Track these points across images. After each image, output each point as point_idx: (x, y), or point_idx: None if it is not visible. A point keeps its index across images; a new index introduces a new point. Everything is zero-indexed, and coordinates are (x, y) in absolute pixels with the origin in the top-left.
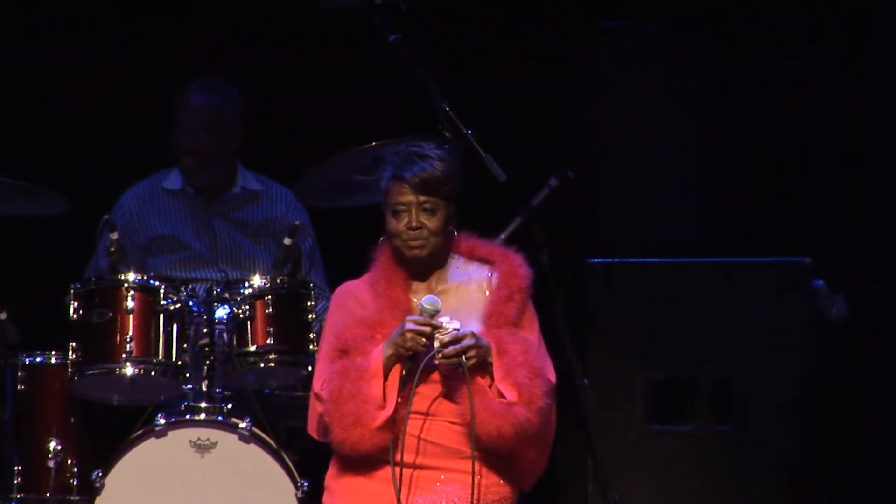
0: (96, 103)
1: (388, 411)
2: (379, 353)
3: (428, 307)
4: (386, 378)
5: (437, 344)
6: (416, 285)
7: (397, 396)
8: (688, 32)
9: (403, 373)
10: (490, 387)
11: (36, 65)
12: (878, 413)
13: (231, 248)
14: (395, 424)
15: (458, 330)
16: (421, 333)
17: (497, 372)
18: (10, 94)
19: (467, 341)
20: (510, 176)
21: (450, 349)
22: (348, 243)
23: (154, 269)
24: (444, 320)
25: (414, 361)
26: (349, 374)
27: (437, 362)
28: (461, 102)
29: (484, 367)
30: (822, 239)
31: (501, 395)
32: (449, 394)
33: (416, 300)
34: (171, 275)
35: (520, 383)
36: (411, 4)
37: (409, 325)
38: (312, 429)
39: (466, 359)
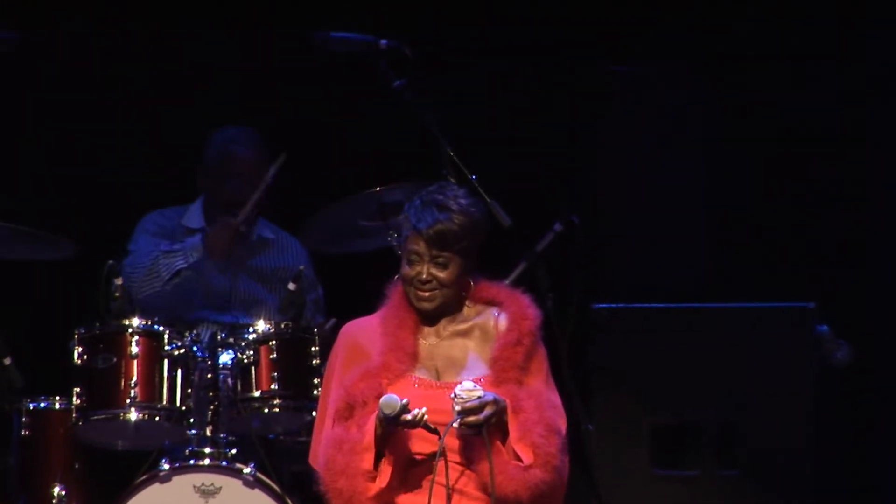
0: (102, 147)
1: (382, 483)
2: (373, 424)
3: (385, 410)
4: (380, 449)
5: (458, 408)
6: (425, 330)
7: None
8: (691, 79)
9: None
10: (504, 445)
11: (40, 110)
12: (883, 457)
13: (245, 292)
14: (391, 492)
15: (480, 398)
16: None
17: (513, 432)
18: (14, 138)
19: (488, 411)
20: (515, 221)
21: (472, 418)
22: (354, 287)
23: (171, 300)
24: (467, 386)
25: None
26: (342, 446)
27: (456, 426)
28: (466, 147)
29: (499, 426)
30: (826, 284)
31: (517, 456)
32: (466, 454)
33: (423, 342)
34: (188, 312)
35: (536, 443)
36: (416, 49)
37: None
38: (314, 460)
39: (486, 424)
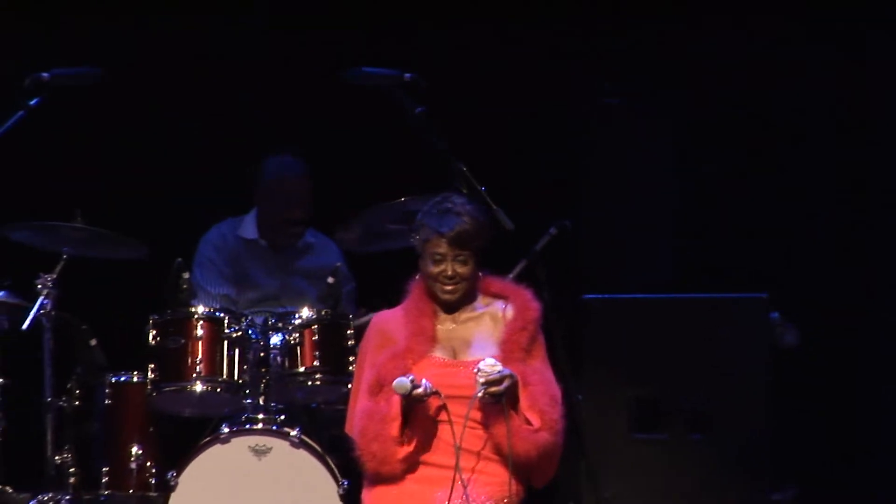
0: (169, 165)
1: (409, 448)
2: (398, 398)
3: (399, 391)
4: (405, 418)
5: (481, 380)
6: (443, 317)
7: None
8: (662, 105)
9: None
10: (517, 412)
11: (119, 131)
12: (830, 416)
13: (293, 290)
14: (417, 455)
15: (500, 372)
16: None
17: (523, 401)
18: (98, 155)
19: (507, 382)
20: (516, 225)
21: (494, 389)
22: (382, 281)
23: (231, 300)
24: (489, 361)
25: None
26: (374, 416)
27: (480, 396)
28: (475, 162)
29: (513, 397)
30: (778, 273)
31: (527, 422)
32: (484, 420)
33: (440, 327)
34: (243, 308)
35: (543, 410)
36: (430, 80)
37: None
38: (350, 428)
39: (505, 394)
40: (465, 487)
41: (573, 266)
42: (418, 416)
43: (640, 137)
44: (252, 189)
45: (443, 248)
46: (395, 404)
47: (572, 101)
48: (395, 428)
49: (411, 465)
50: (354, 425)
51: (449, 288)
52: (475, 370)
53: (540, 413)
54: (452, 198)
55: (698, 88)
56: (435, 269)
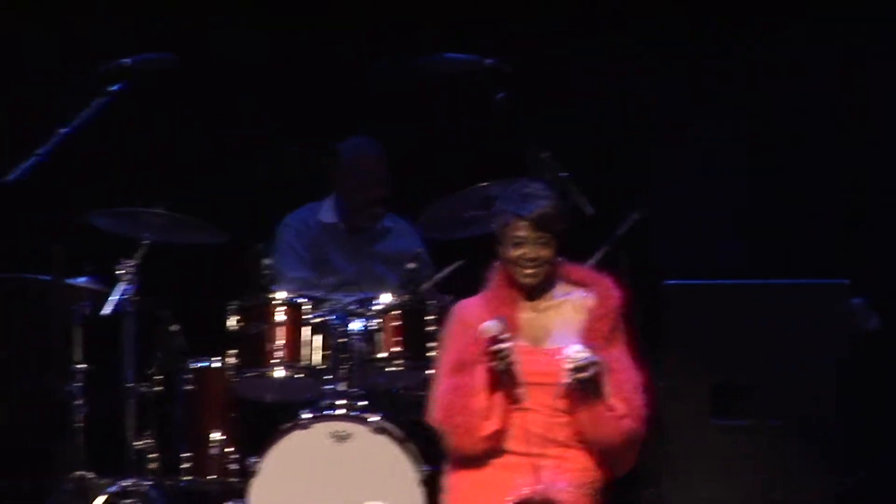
0: (249, 151)
1: (495, 424)
2: (483, 370)
3: (489, 331)
4: (491, 393)
5: (569, 367)
6: (523, 305)
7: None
8: (734, 91)
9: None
10: (603, 401)
11: (197, 118)
12: None
13: (372, 274)
14: (500, 437)
15: (587, 358)
16: (497, 355)
17: (609, 388)
18: (178, 142)
19: (594, 369)
20: (596, 211)
21: (582, 375)
22: (463, 268)
23: (308, 286)
24: (577, 348)
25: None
26: (458, 390)
27: (568, 382)
28: (557, 149)
29: (599, 383)
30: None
31: (612, 408)
32: (569, 407)
33: (522, 315)
34: (322, 293)
35: (627, 398)
36: (513, 65)
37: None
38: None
39: (592, 380)
40: (542, 475)
41: (652, 252)
42: (501, 400)
43: (716, 122)
44: (330, 173)
45: (523, 230)
46: (480, 377)
47: (647, 85)
48: (479, 400)
49: (494, 450)
50: (438, 402)
51: (529, 271)
52: (562, 356)
53: (624, 400)
54: (532, 183)
55: (770, 74)
56: (515, 253)
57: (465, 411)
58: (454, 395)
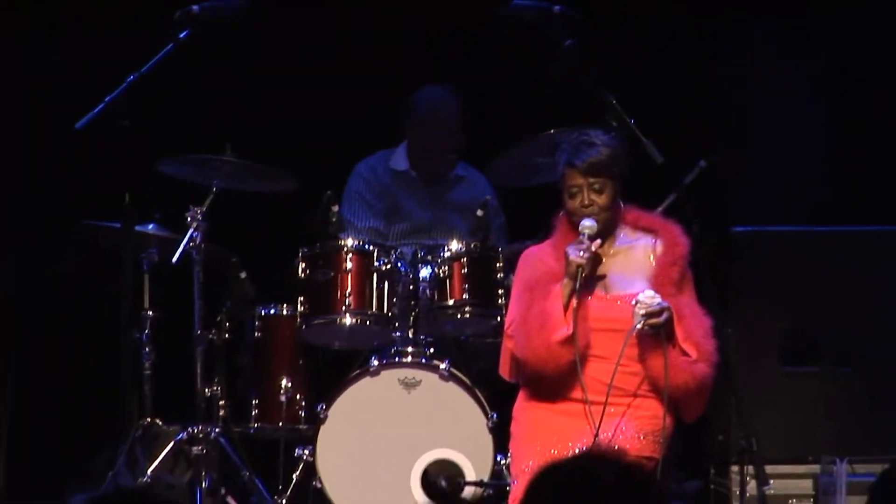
0: (319, 98)
1: (569, 330)
2: (558, 288)
3: (586, 229)
4: (566, 306)
5: (641, 312)
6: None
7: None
8: (817, 35)
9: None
10: (674, 345)
11: (271, 59)
12: None
13: (444, 222)
14: (576, 342)
15: (659, 303)
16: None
17: (680, 333)
18: (246, 84)
19: (666, 314)
20: (666, 158)
21: (654, 320)
22: (530, 216)
23: (378, 236)
24: (648, 294)
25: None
26: (531, 311)
27: (640, 328)
28: (625, 96)
29: (670, 329)
30: None
31: (684, 353)
32: (641, 354)
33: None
34: (393, 240)
35: (699, 343)
36: (584, 13)
37: (570, 249)
38: (504, 370)
39: (664, 325)
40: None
41: (721, 199)
42: (574, 312)
43: (791, 66)
44: (403, 121)
45: (577, 179)
46: (557, 299)
47: (719, 31)
48: (556, 307)
49: (565, 391)
50: (515, 333)
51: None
52: (634, 302)
53: (696, 345)
54: (589, 130)
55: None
56: (574, 202)
57: (544, 330)
58: (533, 319)
